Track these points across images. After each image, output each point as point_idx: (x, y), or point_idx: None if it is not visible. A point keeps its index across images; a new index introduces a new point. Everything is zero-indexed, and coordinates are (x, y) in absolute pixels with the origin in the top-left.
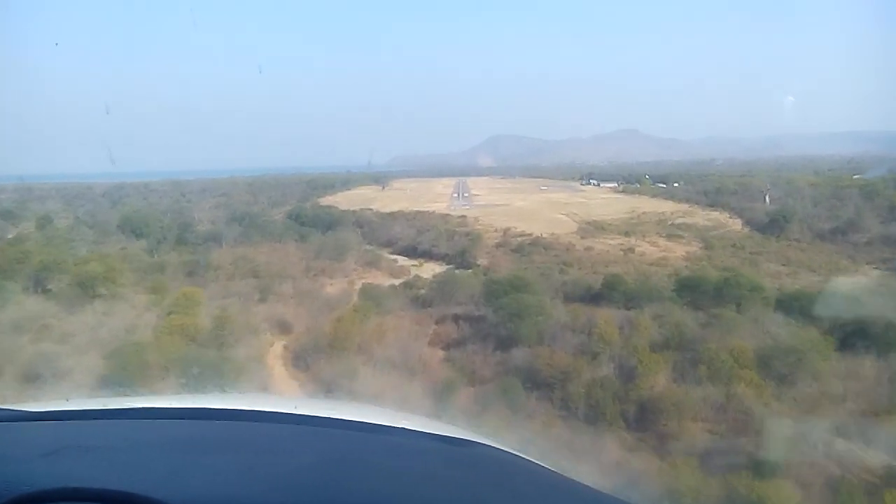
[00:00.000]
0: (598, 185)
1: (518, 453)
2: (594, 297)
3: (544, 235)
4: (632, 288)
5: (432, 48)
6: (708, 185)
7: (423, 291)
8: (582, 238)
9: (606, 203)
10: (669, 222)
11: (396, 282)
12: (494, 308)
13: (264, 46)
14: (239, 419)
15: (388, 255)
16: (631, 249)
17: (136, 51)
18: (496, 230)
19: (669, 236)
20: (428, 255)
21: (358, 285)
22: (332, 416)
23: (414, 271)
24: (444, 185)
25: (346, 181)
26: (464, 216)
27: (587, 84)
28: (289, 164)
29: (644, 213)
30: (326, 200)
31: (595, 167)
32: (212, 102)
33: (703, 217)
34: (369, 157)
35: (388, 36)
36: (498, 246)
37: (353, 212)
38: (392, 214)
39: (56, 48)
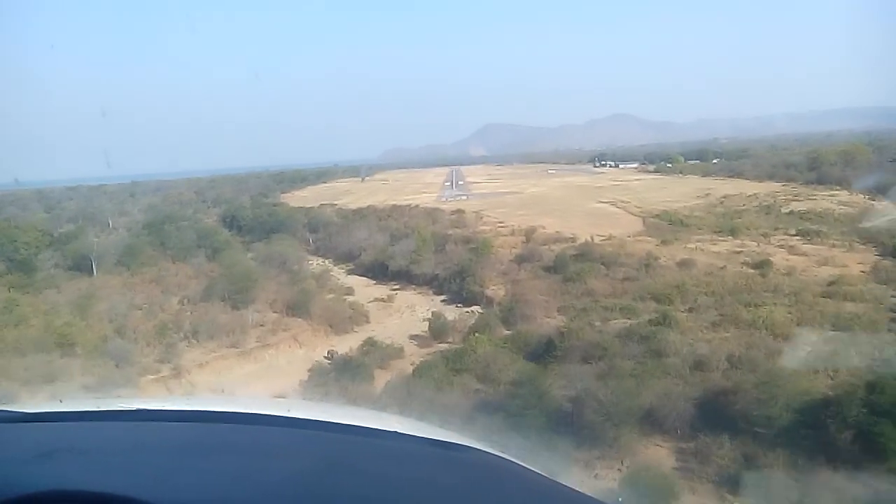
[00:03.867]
0: (617, 166)
1: (510, 458)
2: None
3: (595, 239)
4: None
5: (423, 41)
6: (791, 158)
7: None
8: (661, 243)
9: (653, 186)
10: (780, 209)
11: (328, 351)
12: None
13: (257, 43)
14: (233, 422)
15: (341, 278)
16: (765, 263)
17: (129, 55)
18: (511, 231)
19: (804, 234)
20: (406, 278)
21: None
22: (325, 420)
23: (375, 318)
24: (436, 175)
25: (323, 174)
26: (460, 211)
27: (578, 70)
28: (285, 161)
29: (724, 197)
30: (290, 197)
31: (594, 151)
32: (208, 103)
33: (825, 199)
34: (360, 150)
35: (379, 30)
36: (520, 260)
37: (309, 210)
38: (360, 212)
39: (42, 51)
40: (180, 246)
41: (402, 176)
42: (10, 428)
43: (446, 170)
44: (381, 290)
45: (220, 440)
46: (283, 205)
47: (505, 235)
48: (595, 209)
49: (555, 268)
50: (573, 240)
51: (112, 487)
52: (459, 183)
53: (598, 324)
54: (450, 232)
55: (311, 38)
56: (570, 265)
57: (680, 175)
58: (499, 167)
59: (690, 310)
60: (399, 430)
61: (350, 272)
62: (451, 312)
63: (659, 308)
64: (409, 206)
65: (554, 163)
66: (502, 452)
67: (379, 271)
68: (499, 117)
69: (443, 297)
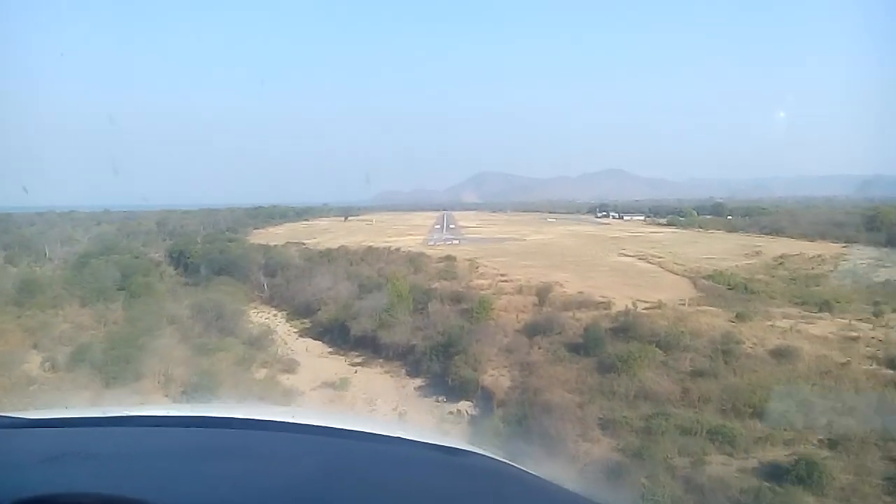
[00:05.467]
0: (622, 217)
1: (512, 463)
2: None
3: (637, 306)
4: None
5: (418, 86)
6: (834, 216)
7: None
8: (736, 318)
9: (680, 240)
10: (868, 276)
11: None
12: None
13: (256, 86)
14: (236, 427)
15: (289, 341)
16: None
17: (122, 84)
18: (518, 288)
19: None
20: (372, 347)
21: None
22: (328, 425)
23: None
24: (425, 217)
25: (305, 212)
26: (451, 258)
27: (574, 124)
28: (280, 199)
29: (781, 257)
30: (263, 233)
31: (588, 203)
32: (208, 140)
33: None
34: (352, 192)
35: (375, 73)
36: (533, 332)
37: (270, 249)
38: (328, 254)
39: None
40: (96, 286)
41: (388, 217)
42: (17, 433)
43: (437, 213)
44: (337, 366)
45: (224, 445)
46: (243, 241)
47: (509, 293)
48: (621, 264)
49: (585, 347)
50: (606, 305)
51: (118, 491)
52: (450, 226)
53: (681, 465)
54: (435, 285)
55: (300, 78)
56: (607, 344)
57: (700, 230)
58: (492, 213)
59: (833, 446)
60: (402, 436)
61: (303, 332)
62: (430, 412)
63: (771, 435)
64: (388, 248)
65: (550, 212)
66: (504, 457)
67: (339, 335)
68: (492, 166)
69: (419, 383)
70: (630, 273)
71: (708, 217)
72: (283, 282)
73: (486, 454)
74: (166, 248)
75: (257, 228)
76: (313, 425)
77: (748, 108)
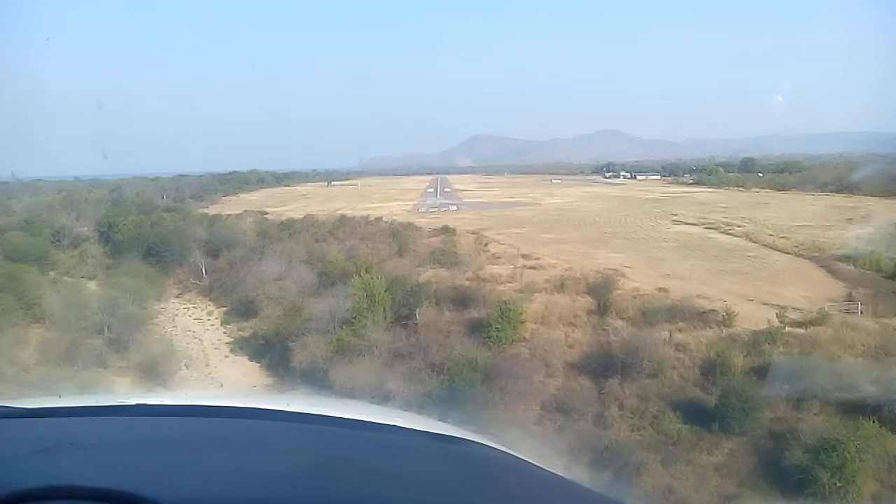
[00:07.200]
0: (634, 177)
1: (510, 451)
2: None
3: (782, 320)
4: None
5: (410, 49)
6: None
7: None
8: None
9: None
10: None
11: None
12: None
13: (246, 48)
14: (232, 416)
15: (213, 361)
16: None
17: (125, 50)
18: (554, 277)
19: None
20: (328, 385)
21: None
22: (325, 414)
23: None
24: (417, 182)
25: (285, 177)
26: (448, 231)
27: (569, 85)
28: (274, 166)
29: None
30: (233, 200)
31: (584, 165)
32: (198, 106)
33: None
34: (342, 157)
35: (366, 37)
36: (594, 368)
37: (218, 221)
38: (290, 226)
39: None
40: None
41: (378, 182)
42: (9, 424)
43: (430, 177)
44: None
45: (220, 435)
46: (190, 212)
47: (544, 289)
48: (685, 236)
49: (718, 414)
50: (721, 316)
51: (111, 483)
52: (446, 190)
53: None
54: (428, 274)
55: (297, 42)
56: (762, 407)
57: (739, 189)
58: (489, 176)
59: None
60: (399, 424)
61: (239, 346)
62: None
63: None
64: (366, 219)
65: (551, 174)
66: (502, 445)
67: (280, 359)
68: (487, 129)
69: None
70: (714, 251)
71: (738, 174)
72: (226, 264)
73: (483, 442)
74: (96, 222)
75: (227, 195)
76: (309, 413)
77: (745, 66)
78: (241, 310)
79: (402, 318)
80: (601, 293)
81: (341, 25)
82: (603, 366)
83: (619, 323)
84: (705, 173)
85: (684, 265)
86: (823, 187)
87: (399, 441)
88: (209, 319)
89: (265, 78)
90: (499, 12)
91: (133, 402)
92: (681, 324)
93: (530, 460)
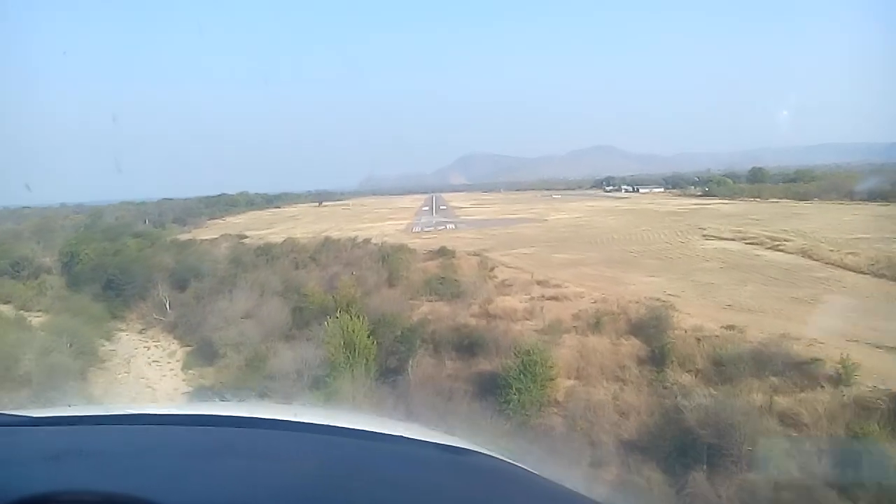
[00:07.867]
0: (636, 190)
1: (515, 462)
2: None
3: None
4: None
5: (402, 68)
6: None
7: None
8: None
9: (770, 214)
10: None
11: None
12: None
13: (239, 69)
14: (239, 426)
15: None
16: None
17: (113, 73)
18: (585, 310)
19: None
20: None
21: None
22: (331, 424)
23: None
24: (412, 200)
25: (275, 199)
26: (447, 253)
27: (560, 101)
28: (269, 188)
29: None
30: (217, 224)
31: (578, 181)
32: (193, 132)
33: None
34: (339, 179)
35: (359, 57)
36: (657, 448)
37: (189, 248)
38: (268, 251)
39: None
40: None
41: (372, 201)
42: (19, 431)
43: (424, 196)
44: None
45: (228, 444)
46: (159, 237)
47: (571, 326)
48: (727, 254)
49: None
50: (835, 371)
51: (120, 489)
52: (441, 207)
53: None
54: (423, 309)
55: (289, 69)
56: None
57: (755, 199)
58: (485, 193)
59: None
60: (405, 435)
61: (194, 399)
62: None
63: None
64: (355, 240)
65: (547, 189)
66: (509, 457)
67: None
68: (480, 147)
69: None
70: (771, 273)
71: (747, 185)
72: (193, 297)
73: (490, 454)
74: (60, 251)
75: (213, 219)
76: (316, 424)
77: (737, 80)
78: (206, 351)
79: (391, 372)
80: (652, 333)
81: (334, 37)
82: (678, 448)
83: (686, 378)
84: (713, 184)
85: (743, 292)
86: (850, 196)
87: (406, 452)
88: (169, 363)
89: (251, 99)
90: (489, 29)
91: (141, 411)
92: (773, 379)
93: (539, 472)
